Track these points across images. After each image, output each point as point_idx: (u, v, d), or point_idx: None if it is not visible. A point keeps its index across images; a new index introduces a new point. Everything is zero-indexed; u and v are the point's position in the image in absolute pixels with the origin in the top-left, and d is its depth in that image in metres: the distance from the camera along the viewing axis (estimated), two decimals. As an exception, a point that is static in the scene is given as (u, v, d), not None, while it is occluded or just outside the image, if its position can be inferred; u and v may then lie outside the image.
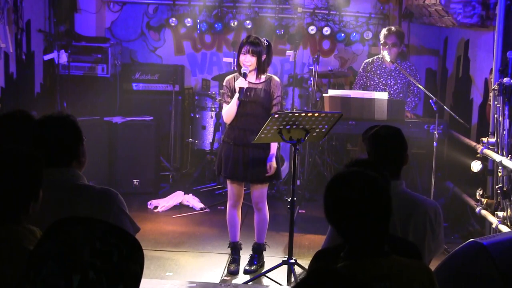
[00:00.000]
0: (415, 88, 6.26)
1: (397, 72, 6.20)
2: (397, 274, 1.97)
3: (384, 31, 6.15)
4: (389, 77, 6.21)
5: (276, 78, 4.72)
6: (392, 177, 2.77)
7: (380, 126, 3.01)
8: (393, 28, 6.20)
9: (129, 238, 1.52)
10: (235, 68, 7.16)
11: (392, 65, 6.16)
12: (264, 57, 4.61)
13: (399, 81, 6.23)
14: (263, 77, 4.68)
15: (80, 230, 1.46)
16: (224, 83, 4.74)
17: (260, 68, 4.61)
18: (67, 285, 1.40)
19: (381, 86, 6.16)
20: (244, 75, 4.57)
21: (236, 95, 4.57)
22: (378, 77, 6.22)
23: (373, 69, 6.25)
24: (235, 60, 7.22)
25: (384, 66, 6.22)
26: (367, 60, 6.40)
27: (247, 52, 4.56)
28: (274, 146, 4.70)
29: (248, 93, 4.62)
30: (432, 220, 2.87)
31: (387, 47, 6.04)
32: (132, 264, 1.48)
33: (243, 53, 4.58)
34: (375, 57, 6.33)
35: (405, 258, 2.06)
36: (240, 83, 4.56)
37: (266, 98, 4.65)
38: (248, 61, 4.56)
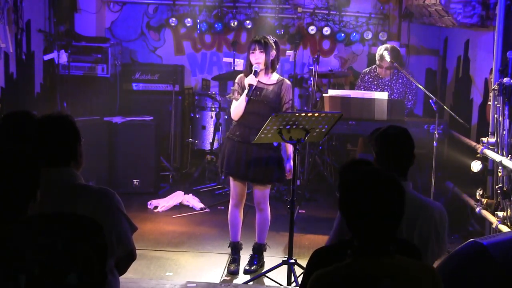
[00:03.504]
0: (409, 96, 6.31)
1: (393, 82, 6.26)
2: (402, 274, 1.98)
3: (379, 51, 6.21)
4: (386, 88, 6.25)
5: (288, 82, 4.72)
6: (399, 177, 2.78)
7: (387, 126, 3.00)
8: (388, 47, 6.23)
9: (74, 221, 1.49)
10: (235, 69, 7.20)
11: (388, 76, 6.23)
12: (273, 53, 4.62)
13: (395, 90, 6.28)
14: (274, 78, 4.69)
15: (20, 229, 1.45)
16: (236, 80, 4.75)
17: (268, 65, 4.63)
18: (15, 286, 1.39)
19: (380, 92, 6.19)
20: (255, 73, 4.57)
21: (245, 91, 4.59)
22: (375, 87, 6.28)
23: (370, 79, 6.31)
24: (235, 60, 7.32)
25: (380, 77, 6.28)
26: (364, 70, 6.53)
27: (255, 50, 4.57)
28: (290, 148, 4.65)
29: (258, 92, 4.62)
30: (437, 223, 2.87)
31: (382, 68, 6.18)
32: (82, 247, 1.47)
33: (252, 52, 4.60)
34: (373, 66, 6.39)
35: (410, 259, 2.07)
36: (250, 80, 4.57)
37: (275, 100, 4.64)
38: (258, 58, 4.57)
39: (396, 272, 1.98)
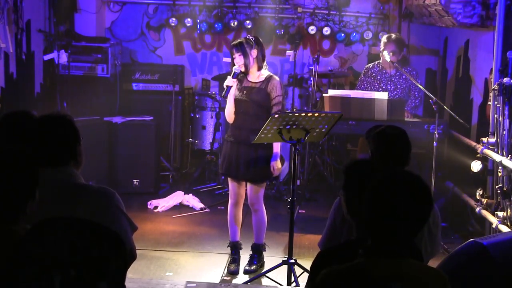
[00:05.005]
0: (415, 93, 6.28)
1: (397, 77, 6.23)
2: (412, 277, 1.96)
3: (384, 39, 6.18)
4: (389, 83, 6.23)
5: (276, 78, 4.73)
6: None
7: (385, 125, 3.00)
8: (393, 35, 6.22)
9: (109, 234, 1.52)
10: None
11: (392, 70, 6.20)
12: (254, 52, 4.64)
13: (399, 86, 6.25)
14: (263, 76, 4.69)
15: (60, 230, 1.46)
16: None
17: (249, 66, 4.65)
18: (49, 285, 1.39)
19: (381, 92, 6.17)
20: (234, 75, 4.65)
21: (223, 93, 4.71)
22: (378, 82, 6.25)
23: (374, 74, 6.28)
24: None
25: (384, 71, 6.25)
26: (367, 65, 6.46)
27: (234, 54, 4.67)
28: (276, 145, 4.69)
29: (245, 91, 4.67)
30: (430, 222, 2.87)
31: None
32: (114, 260, 1.48)
33: (233, 57, 4.69)
34: (376, 62, 6.36)
35: (422, 263, 2.05)
36: (227, 81, 4.68)
37: (263, 98, 4.65)
38: (238, 61, 4.65)
39: (407, 276, 1.95)
